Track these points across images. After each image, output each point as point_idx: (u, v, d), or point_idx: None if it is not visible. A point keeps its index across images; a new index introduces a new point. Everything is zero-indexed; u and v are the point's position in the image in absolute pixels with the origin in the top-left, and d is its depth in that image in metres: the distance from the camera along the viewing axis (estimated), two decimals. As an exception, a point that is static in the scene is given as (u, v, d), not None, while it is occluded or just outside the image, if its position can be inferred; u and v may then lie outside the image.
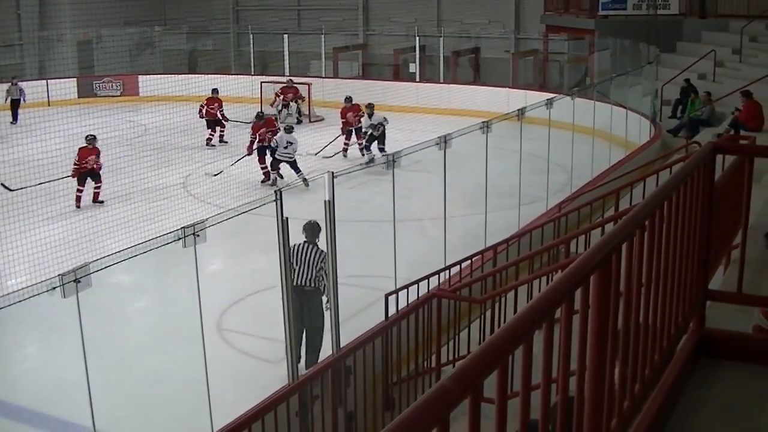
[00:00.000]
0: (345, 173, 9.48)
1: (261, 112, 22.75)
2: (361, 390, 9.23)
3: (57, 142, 22.78)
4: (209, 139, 27.39)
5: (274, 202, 8.44)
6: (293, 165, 21.47)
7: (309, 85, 31.90)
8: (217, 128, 27.67)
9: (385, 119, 24.50)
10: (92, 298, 7.81)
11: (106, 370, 8.93)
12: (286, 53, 35.47)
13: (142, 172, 20.38)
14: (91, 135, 20.40)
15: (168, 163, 21.23)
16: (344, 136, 25.21)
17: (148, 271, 14.99)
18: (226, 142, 27.43)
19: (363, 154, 24.19)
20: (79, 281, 7.78)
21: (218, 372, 9.92)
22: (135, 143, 25.60)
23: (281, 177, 21.67)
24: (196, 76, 33.59)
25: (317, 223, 10.84)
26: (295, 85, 31.58)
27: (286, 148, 21.44)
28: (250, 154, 22.35)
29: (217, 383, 9.74)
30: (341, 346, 9.10)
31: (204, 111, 27.49)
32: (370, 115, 24.60)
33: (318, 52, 36.92)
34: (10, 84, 32.74)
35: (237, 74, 36.67)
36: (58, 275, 8.26)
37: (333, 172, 8.87)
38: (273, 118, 22.97)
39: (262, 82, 32.91)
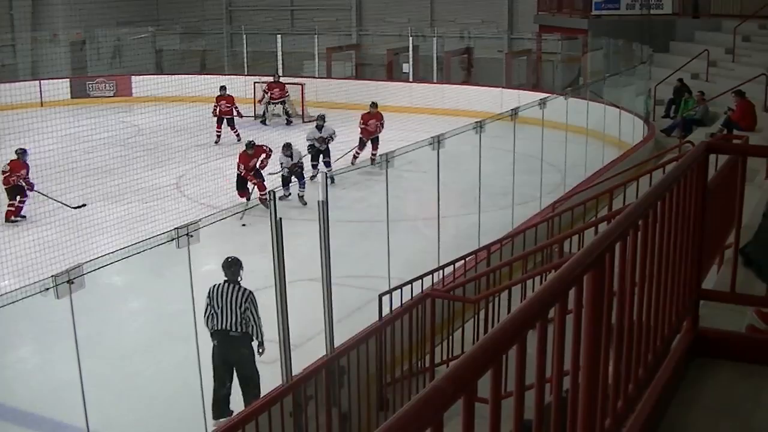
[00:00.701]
0: (339, 173, 9.48)
1: (252, 141, 20.53)
2: (355, 390, 9.24)
3: (50, 143, 22.76)
4: (219, 136, 27.50)
5: (268, 202, 8.44)
6: (288, 179, 20.13)
7: (302, 85, 31.89)
8: (229, 127, 27.80)
9: (334, 133, 22.97)
10: (86, 299, 7.80)
11: (100, 370, 8.92)
12: (280, 53, 35.47)
13: (135, 172, 20.38)
14: (20, 149, 20.12)
15: (161, 164, 21.19)
16: (358, 142, 24.28)
17: (141, 272, 14.93)
18: (240, 139, 27.43)
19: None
20: (73, 282, 7.77)
21: (212, 372, 9.93)
22: (128, 144, 25.61)
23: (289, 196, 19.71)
24: (190, 76, 33.55)
25: (236, 260, 10.57)
26: (281, 81, 31.58)
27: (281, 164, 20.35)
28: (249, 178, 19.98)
29: (211, 383, 9.75)
30: (335, 346, 9.09)
31: (217, 109, 27.65)
32: (320, 127, 22.90)
33: (311, 53, 36.92)
34: None
35: (230, 74, 36.66)
36: (51, 276, 8.25)
37: (327, 173, 8.89)
38: (264, 147, 20.54)
39: (255, 83, 32.88)
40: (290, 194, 19.17)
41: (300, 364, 8.78)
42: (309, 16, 40.59)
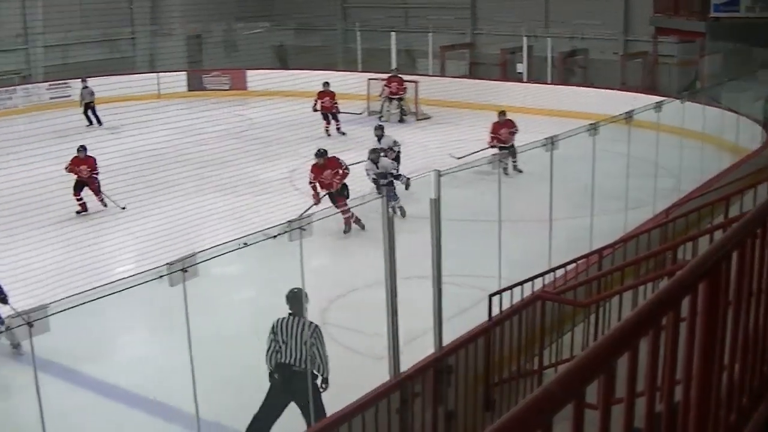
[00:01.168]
0: (450, 172, 9.47)
1: (322, 150, 19.02)
2: (462, 389, 9.24)
3: (166, 134, 23.20)
4: (327, 130, 27.89)
5: (380, 199, 8.48)
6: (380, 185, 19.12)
7: (416, 83, 31.94)
8: (332, 121, 28.13)
9: (395, 144, 21.67)
10: (198, 288, 7.93)
11: (209, 358, 9.05)
12: (393, 51, 35.57)
13: (248, 165, 20.62)
14: (81, 146, 20.55)
15: (274, 158, 21.42)
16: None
17: (253, 264, 15.17)
18: (344, 134, 27.74)
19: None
20: (186, 270, 7.91)
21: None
22: (242, 137, 25.91)
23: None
24: (304, 72, 33.87)
25: (301, 291, 10.00)
26: (399, 76, 31.67)
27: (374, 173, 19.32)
28: (317, 203, 18.25)
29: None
30: (443, 344, 9.10)
31: (318, 104, 28.02)
32: (380, 138, 21.46)
33: (425, 50, 36.96)
34: (82, 87, 32.98)
35: (344, 71, 36.90)
36: (166, 264, 8.42)
37: (439, 171, 8.89)
38: (336, 159, 19.02)
39: (369, 79, 33.04)
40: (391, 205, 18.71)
41: (407, 361, 8.81)
42: (423, 14, 40.55)
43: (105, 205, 20.05)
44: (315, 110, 28.36)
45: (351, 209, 16.73)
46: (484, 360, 9.53)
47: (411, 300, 8.88)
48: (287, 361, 9.91)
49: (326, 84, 28.81)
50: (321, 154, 18.56)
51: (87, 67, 36.90)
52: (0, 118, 32.51)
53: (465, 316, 10.61)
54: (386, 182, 18.83)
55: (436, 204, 8.76)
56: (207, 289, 9.00)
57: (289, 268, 9.33)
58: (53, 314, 6.89)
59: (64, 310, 6.91)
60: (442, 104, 31.91)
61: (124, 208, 18.77)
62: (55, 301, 7.05)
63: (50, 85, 36.13)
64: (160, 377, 11.72)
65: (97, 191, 20.02)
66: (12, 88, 36.25)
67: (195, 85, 37.83)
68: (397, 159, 20.91)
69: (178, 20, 40.77)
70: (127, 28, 41.12)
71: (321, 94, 28.52)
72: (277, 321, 10.03)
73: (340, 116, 28.96)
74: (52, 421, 7.28)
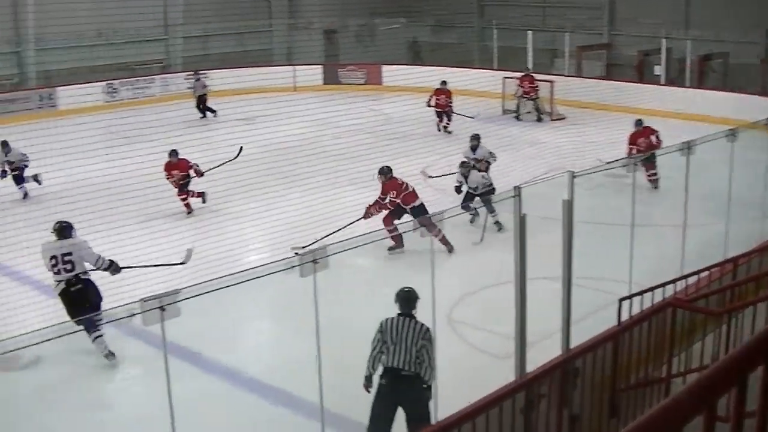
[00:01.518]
0: (584, 174, 9.41)
1: (387, 166, 17.54)
2: (587, 393, 9.18)
3: (301, 126, 23.50)
4: (439, 126, 27.99)
5: (513, 198, 8.47)
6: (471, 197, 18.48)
7: (551, 82, 31.73)
8: (445, 118, 28.21)
9: (490, 155, 20.26)
10: (328, 279, 8.03)
11: (336, 350, 9.16)
12: (530, 49, 35.36)
13: (381, 160, 20.71)
14: (173, 150, 20.37)
15: (407, 153, 21.51)
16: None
17: (382, 257, 15.30)
18: (450, 132, 27.72)
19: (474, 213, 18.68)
20: (317, 262, 8.02)
21: (445, 362, 10.05)
22: (376, 131, 26.09)
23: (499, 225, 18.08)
24: (439, 68, 33.91)
25: (413, 291, 9.75)
26: (531, 74, 31.51)
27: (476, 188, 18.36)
28: (366, 217, 17.01)
29: (444, 373, 9.87)
30: (570, 347, 9.06)
31: (432, 101, 28.11)
32: (474, 148, 20.35)
33: (561, 50, 36.68)
34: (194, 80, 33.63)
35: (479, 69, 36.87)
36: (295, 254, 8.56)
37: (573, 172, 8.84)
38: (399, 181, 17.36)
39: (504, 78, 32.94)
40: (476, 215, 18.34)
41: (533, 361, 8.79)
42: (560, 13, 40.28)
43: (189, 211, 20.05)
44: (429, 105, 28.44)
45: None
46: (612, 365, 9.45)
47: (538, 301, 8.85)
48: (395, 365, 9.48)
49: (443, 83, 28.84)
50: (385, 172, 17.34)
51: (224, 59, 37.69)
52: (138, 106, 33.30)
53: (593, 320, 10.53)
54: (484, 191, 18.11)
55: (568, 205, 8.71)
56: (337, 281, 9.12)
57: (419, 262, 9.40)
58: (184, 299, 7.06)
59: (196, 295, 7.09)
60: (577, 105, 31.64)
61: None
62: (186, 287, 7.23)
63: (188, 75, 36.96)
64: (286, 366, 11.90)
65: (182, 192, 20.09)
66: (151, 77, 37.19)
67: (330, 78, 38.24)
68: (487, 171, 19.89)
69: (317, 14, 41.27)
70: (266, 20, 41.76)
71: (437, 92, 28.59)
72: (386, 321, 9.61)
73: (451, 116, 28.90)
74: (178, 406, 7.46)
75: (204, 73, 33.73)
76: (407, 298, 9.67)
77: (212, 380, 11.92)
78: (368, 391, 9.69)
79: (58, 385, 11.99)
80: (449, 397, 9.13)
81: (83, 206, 15.52)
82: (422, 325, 9.52)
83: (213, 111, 32.24)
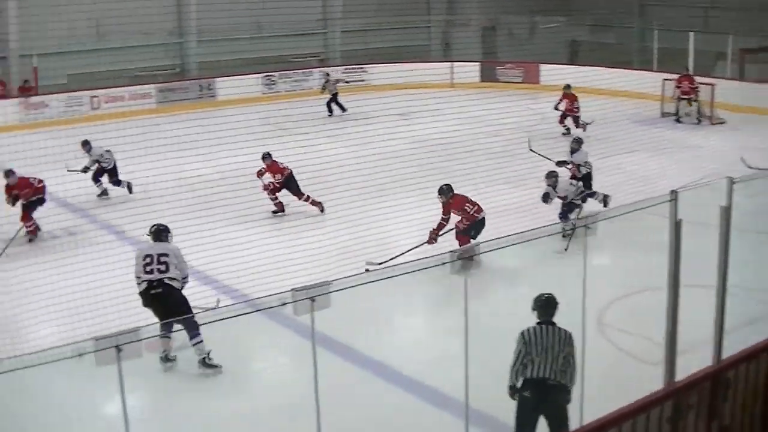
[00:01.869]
0: (744, 181, 9.17)
1: (447, 185, 16.31)
2: (738, 406, 8.95)
3: (455, 123, 23.51)
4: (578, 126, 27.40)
5: (669, 203, 8.33)
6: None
7: (713, 85, 31.00)
8: (573, 122, 27.65)
9: (586, 164, 19.60)
10: (479, 278, 8.03)
11: (484, 349, 9.13)
12: (691, 51, 34.59)
13: (535, 159, 20.60)
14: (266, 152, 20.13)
15: (562, 154, 21.31)
16: None
17: (535, 258, 15.17)
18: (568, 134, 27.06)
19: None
20: (472, 260, 8.03)
21: (593, 366, 9.92)
22: (532, 131, 25.87)
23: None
24: (598, 68, 33.48)
25: (552, 297, 9.45)
26: (691, 74, 30.82)
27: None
28: (431, 242, 16.08)
29: (590, 377, 9.74)
30: (722, 357, 8.85)
31: (561, 104, 27.66)
32: (573, 151, 19.73)
33: (724, 52, 35.79)
34: (325, 80, 33.86)
35: (639, 69, 36.29)
36: (450, 252, 8.58)
37: (732, 178, 8.63)
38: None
39: (663, 79, 32.31)
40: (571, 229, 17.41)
41: (683, 370, 8.62)
42: (724, 14, 39.30)
43: (276, 212, 20.02)
44: (556, 109, 27.99)
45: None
46: (765, 378, 9.19)
47: (689, 308, 8.68)
48: (541, 375, 9.14)
49: (568, 86, 28.26)
50: (444, 191, 16.19)
51: (381, 54, 37.97)
52: (295, 99, 33.80)
53: (748, 330, 10.26)
54: (578, 197, 17.75)
55: (726, 212, 8.51)
56: (488, 280, 9.12)
57: (569, 264, 9.30)
58: (335, 291, 7.14)
59: (346, 288, 7.15)
60: (739, 110, 30.84)
61: None
62: (338, 278, 7.30)
63: (345, 69, 37.33)
64: (434, 362, 11.92)
65: (273, 191, 19.97)
66: (309, 70, 37.74)
67: (488, 76, 38.17)
68: (587, 178, 19.24)
69: (476, 11, 41.23)
70: (424, 16, 41.92)
71: (564, 95, 28.10)
72: (528, 331, 9.25)
73: (577, 120, 28.21)
74: (324, 396, 7.55)
75: (348, 70, 34.01)
76: (547, 305, 9.38)
77: (359, 372, 12.02)
78: (513, 399, 9.47)
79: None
80: (595, 400, 9.02)
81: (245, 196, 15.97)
82: (565, 331, 9.27)
83: (343, 108, 32.49)
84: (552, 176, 17.82)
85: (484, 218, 16.04)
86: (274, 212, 19.90)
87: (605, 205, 17.92)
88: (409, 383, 11.64)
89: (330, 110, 32.51)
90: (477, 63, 38.69)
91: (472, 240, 15.48)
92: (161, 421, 10.90)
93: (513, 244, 8.46)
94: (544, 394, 9.18)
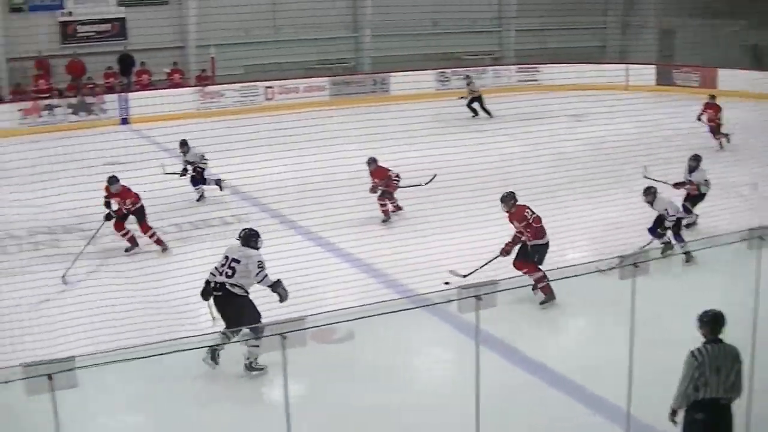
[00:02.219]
0: None
1: (510, 192, 14.91)
2: None
3: (629, 127, 23.13)
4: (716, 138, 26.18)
5: None
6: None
7: None
8: (719, 135, 26.35)
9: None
10: (647, 285, 7.90)
11: (649, 358, 8.98)
12: None
13: (709, 166, 19.97)
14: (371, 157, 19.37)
15: (737, 162, 20.65)
16: None
17: (709, 269, 14.75)
18: (721, 149, 25.91)
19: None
20: (638, 266, 7.94)
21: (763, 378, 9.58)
22: (705, 137, 25.24)
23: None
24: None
25: (721, 314, 8.65)
26: None
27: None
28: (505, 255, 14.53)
29: (758, 391, 9.40)
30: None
31: (704, 116, 26.31)
32: (692, 169, 18.16)
33: None
34: (468, 83, 33.38)
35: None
36: (618, 257, 8.49)
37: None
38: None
39: None
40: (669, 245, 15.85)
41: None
42: None
43: (385, 219, 19.41)
44: (698, 120, 26.59)
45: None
46: None
47: None
48: (713, 395, 8.58)
49: (712, 96, 26.99)
50: (506, 199, 14.75)
51: (557, 53, 37.71)
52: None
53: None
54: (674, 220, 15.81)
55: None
56: (655, 288, 8.96)
57: (740, 275, 9.05)
58: (501, 291, 7.14)
59: (511, 288, 7.15)
60: None
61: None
62: (504, 278, 7.31)
63: (519, 68, 37.14)
64: (597, 368, 11.76)
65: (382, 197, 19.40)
66: (482, 68, 37.73)
67: (664, 79, 37.51)
68: (699, 198, 17.90)
69: (654, 13, 40.54)
70: (600, 17, 41.44)
71: (707, 106, 26.74)
72: (699, 352, 8.55)
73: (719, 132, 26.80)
74: (484, 393, 7.55)
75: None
76: (716, 322, 8.66)
77: (521, 374, 11.95)
78: (673, 422, 8.93)
79: (359, 359, 12.42)
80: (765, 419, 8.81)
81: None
82: (734, 347, 8.69)
83: (488, 113, 31.89)
84: (649, 193, 16.20)
85: (548, 242, 14.51)
86: (383, 221, 19.26)
87: (688, 227, 16.79)
88: (572, 387, 11.50)
89: (474, 111, 32.27)
90: (653, 65, 38.10)
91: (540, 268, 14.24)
92: (321, 410, 10.99)
93: (681, 253, 8.31)
94: (717, 415, 8.69)
